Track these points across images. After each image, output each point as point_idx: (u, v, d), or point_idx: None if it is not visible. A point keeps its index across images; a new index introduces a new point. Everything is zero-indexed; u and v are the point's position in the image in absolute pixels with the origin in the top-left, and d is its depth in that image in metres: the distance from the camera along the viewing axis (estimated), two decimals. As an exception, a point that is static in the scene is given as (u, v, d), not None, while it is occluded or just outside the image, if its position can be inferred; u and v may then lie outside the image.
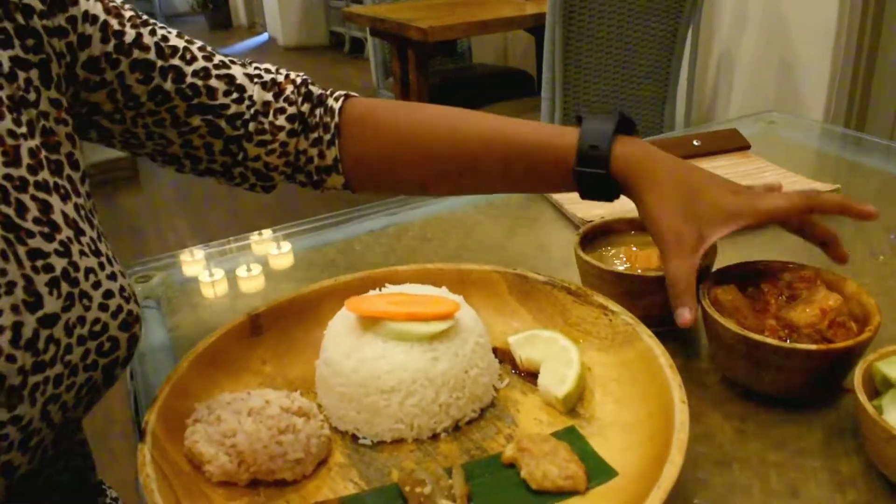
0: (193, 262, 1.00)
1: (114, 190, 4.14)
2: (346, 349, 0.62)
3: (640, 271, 0.74)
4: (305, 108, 0.75)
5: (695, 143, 1.18)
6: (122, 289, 0.60)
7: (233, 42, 8.83)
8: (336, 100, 0.76)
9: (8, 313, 0.51)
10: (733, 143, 1.21)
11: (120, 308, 0.59)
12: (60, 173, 0.58)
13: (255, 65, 0.75)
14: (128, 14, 0.67)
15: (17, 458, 0.51)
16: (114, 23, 0.65)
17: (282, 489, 0.57)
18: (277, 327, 0.71)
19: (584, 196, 0.72)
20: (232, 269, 0.97)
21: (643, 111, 2.56)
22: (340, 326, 0.65)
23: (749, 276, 0.71)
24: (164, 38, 0.69)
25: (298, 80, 0.75)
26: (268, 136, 0.73)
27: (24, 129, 0.55)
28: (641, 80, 2.51)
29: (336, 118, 0.75)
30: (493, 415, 0.64)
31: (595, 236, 0.80)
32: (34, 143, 0.56)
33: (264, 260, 1.00)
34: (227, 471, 0.56)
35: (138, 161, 4.35)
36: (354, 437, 0.62)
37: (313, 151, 0.75)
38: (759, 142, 1.25)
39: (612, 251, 0.79)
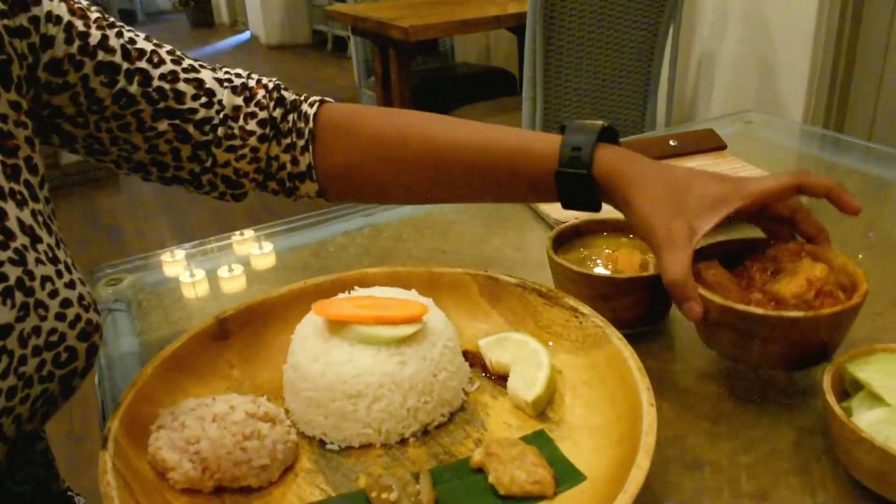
0: (173, 262, 0.99)
1: (93, 189, 4.11)
2: (314, 353, 0.62)
3: (611, 273, 0.74)
4: (277, 112, 0.73)
5: (671, 143, 1.18)
6: (80, 297, 0.58)
7: (215, 40, 8.79)
8: (311, 105, 0.75)
9: None
10: (709, 143, 1.20)
11: (78, 317, 0.57)
12: (17, 178, 0.56)
13: (225, 69, 0.73)
14: (94, 16, 0.65)
15: None
16: (79, 24, 0.63)
17: (247, 496, 0.57)
18: (245, 331, 0.70)
19: (565, 203, 0.70)
20: (212, 270, 0.96)
21: (624, 110, 2.57)
22: (308, 330, 0.64)
23: (733, 255, 0.70)
24: (131, 41, 0.67)
25: (270, 85, 0.74)
26: (237, 142, 0.71)
27: None
28: (622, 79, 2.51)
29: (310, 124, 0.73)
30: (462, 419, 0.63)
31: (568, 238, 0.80)
32: None
33: (243, 261, 0.99)
34: (191, 478, 0.55)
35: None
36: (322, 443, 0.61)
37: (286, 157, 0.74)
38: (736, 142, 1.25)
39: (585, 253, 0.79)
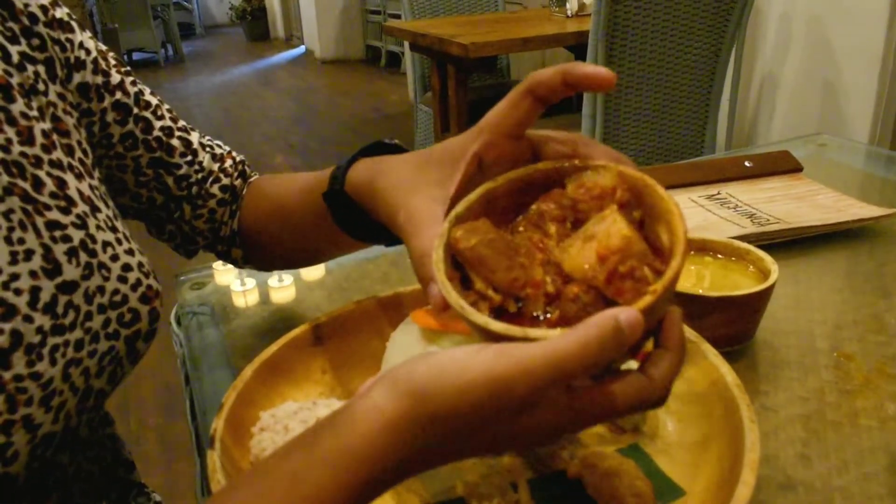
0: (226, 270, 1.01)
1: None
2: (410, 361, 0.63)
3: (702, 292, 0.74)
4: (238, 182, 0.80)
5: (746, 164, 1.18)
6: (140, 264, 0.62)
7: (270, 53, 8.95)
8: (250, 176, 0.82)
9: (26, 277, 0.53)
10: (785, 165, 1.20)
11: (139, 281, 0.61)
12: (73, 155, 0.61)
13: (208, 137, 0.80)
14: (112, 60, 0.71)
15: (39, 415, 0.52)
16: (102, 63, 0.70)
17: (346, 498, 0.58)
18: (338, 337, 0.72)
19: (354, 234, 0.67)
20: (299, 278, 0.98)
21: (684, 131, 2.55)
22: (404, 338, 0.65)
23: (534, 189, 0.51)
24: (141, 92, 0.73)
25: (237, 158, 0.81)
26: (201, 202, 0.77)
27: (35, 113, 0.58)
28: (683, 99, 2.51)
29: (242, 192, 0.80)
30: (555, 431, 0.64)
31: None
32: (46, 126, 0.59)
33: (326, 268, 1.01)
34: (294, 478, 0.56)
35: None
36: (417, 449, 0.62)
37: (230, 222, 0.80)
38: (809, 164, 1.24)
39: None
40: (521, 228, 0.49)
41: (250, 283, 0.98)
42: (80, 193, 0.60)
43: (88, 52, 0.68)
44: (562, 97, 0.50)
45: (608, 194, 0.47)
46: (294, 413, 0.60)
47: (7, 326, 0.51)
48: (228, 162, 0.79)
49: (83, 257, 0.57)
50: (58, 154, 0.59)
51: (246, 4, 9.75)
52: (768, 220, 1.00)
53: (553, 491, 0.57)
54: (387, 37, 7.17)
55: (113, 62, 0.71)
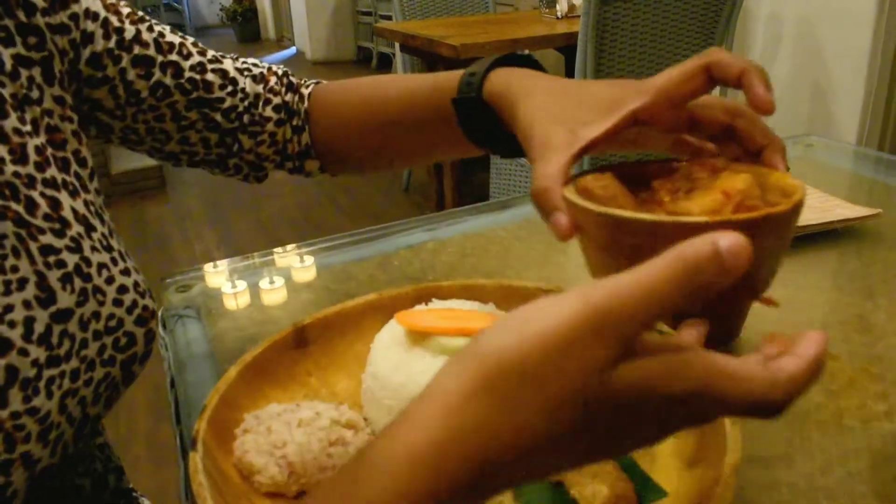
0: (217, 272, 1.00)
1: (141, 199, 4.19)
2: (395, 363, 0.63)
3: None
4: (289, 97, 0.77)
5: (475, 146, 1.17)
6: (136, 284, 0.61)
7: (261, 55, 8.92)
8: (306, 87, 0.79)
9: (20, 308, 0.52)
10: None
11: (135, 303, 0.60)
12: (68, 170, 0.59)
13: (242, 59, 0.77)
14: (125, 11, 0.68)
15: (37, 451, 0.52)
16: (113, 19, 0.66)
17: (329, 501, 0.58)
18: (322, 339, 0.72)
19: (476, 140, 0.68)
20: (289, 278, 0.97)
21: (674, 131, 2.56)
22: (388, 340, 0.65)
23: (640, 180, 0.56)
24: (161, 35, 0.70)
25: (280, 72, 0.78)
26: (258, 128, 0.75)
27: (29, 128, 0.56)
28: (672, 100, 2.51)
29: (305, 103, 0.78)
30: (539, 432, 0.63)
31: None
32: (40, 140, 0.57)
33: (293, 268, 1.00)
34: (277, 481, 0.56)
35: (165, 170, 4.41)
36: (401, 451, 0.62)
37: (295, 138, 0.78)
38: (796, 164, 1.25)
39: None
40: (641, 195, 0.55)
41: (241, 284, 0.97)
42: (75, 213, 0.58)
43: (96, 16, 0.65)
44: (732, 87, 0.51)
45: (720, 168, 0.52)
46: (277, 415, 0.59)
47: (2, 362, 0.50)
48: (272, 80, 0.77)
49: (78, 283, 0.56)
50: (52, 171, 0.57)
51: (237, 5, 9.73)
52: (755, 220, 1.00)
53: (535, 493, 0.56)
54: (378, 38, 7.17)
55: (126, 13, 0.68)
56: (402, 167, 0.87)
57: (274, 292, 0.96)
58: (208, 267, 1.02)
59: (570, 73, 2.48)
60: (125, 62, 0.67)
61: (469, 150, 0.71)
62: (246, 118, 0.74)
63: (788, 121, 2.97)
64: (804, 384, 0.33)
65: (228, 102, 0.73)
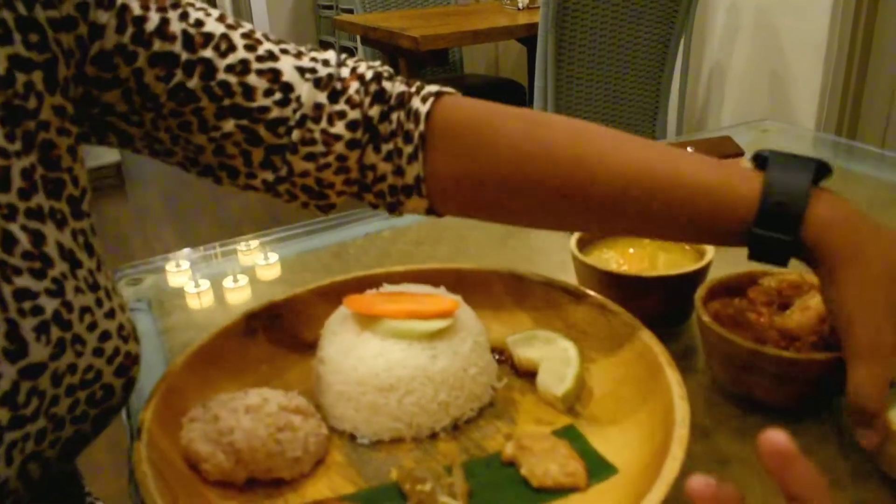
0: (179, 272, 0.98)
1: (99, 198, 4.11)
2: (345, 347, 0.62)
3: (638, 272, 0.74)
4: (374, 111, 0.60)
5: (688, 150, 1.18)
6: (120, 327, 0.54)
7: (223, 51, 8.84)
8: (424, 100, 0.60)
9: None
10: (727, 150, 1.20)
11: (117, 351, 0.53)
12: (59, 195, 0.51)
13: (313, 54, 0.61)
14: None
15: None
16: (135, 6, 0.55)
17: (279, 488, 0.57)
18: (273, 327, 0.71)
19: (753, 257, 0.56)
20: (220, 277, 0.96)
21: (635, 120, 2.57)
22: (338, 325, 0.65)
23: (733, 289, 0.69)
24: (198, 23, 0.57)
25: (369, 75, 0.61)
26: (319, 148, 0.59)
27: (17, 146, 0.48)
28: (633, 89, 2.52)
29: (421, 125, 0.60)
30: (491, 414, 0.63)
31: (591, 239, 0.80)
32: (29, 160, 0.48)
33: (252, 268, 0.99)
34: (224, 469, 0.55)
35: (124, 168, 4.33)
36: (352, 437, 0.61)
37: (386, 167, 0.61)
38: (751, 149, 1.25)
39: (609, 253, 0.79)
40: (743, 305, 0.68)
41: (204, 284, 0.95)
42: (60, 248, 0.50)
43: (112, 3, 0.54)
44: None
45: (799, 283, 0.67)
46: (225, 402, 0.58)
47: None
48: (353, 86, 0.59)
49: (55, 332, 0.48)
50: (38, 199, 0.49)
51: (197, 1, 9.63)
52: (709, 203, 1.01)
53: (488, 473, 0.56)
54: (340, 32, 7.12)
55: None
56: (562, 231, 0.76)
57: (227, 281, 0.95)
58: (171, 266, 1.00)
59: (531, 63, 2.48)
60: (141, 61, 0.55)
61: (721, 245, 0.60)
62: (296, 134, 0.59)
63: (748, 107, 3.00)
64: None
65: (276, 113, 0.58)
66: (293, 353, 0.70)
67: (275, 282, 0.97)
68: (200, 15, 0.58)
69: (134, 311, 0.91)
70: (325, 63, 0.61)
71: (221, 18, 0.58)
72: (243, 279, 0.95)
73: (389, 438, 0.60)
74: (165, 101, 0.57)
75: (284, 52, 0.60)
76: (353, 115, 0.59)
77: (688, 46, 2.57)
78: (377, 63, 0.62)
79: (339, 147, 0.59)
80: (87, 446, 0.55)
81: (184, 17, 0.57)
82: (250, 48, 0.58)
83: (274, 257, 1.00)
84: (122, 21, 0.54)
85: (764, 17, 2.85)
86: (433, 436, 0.61)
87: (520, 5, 3.20)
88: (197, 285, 0.94)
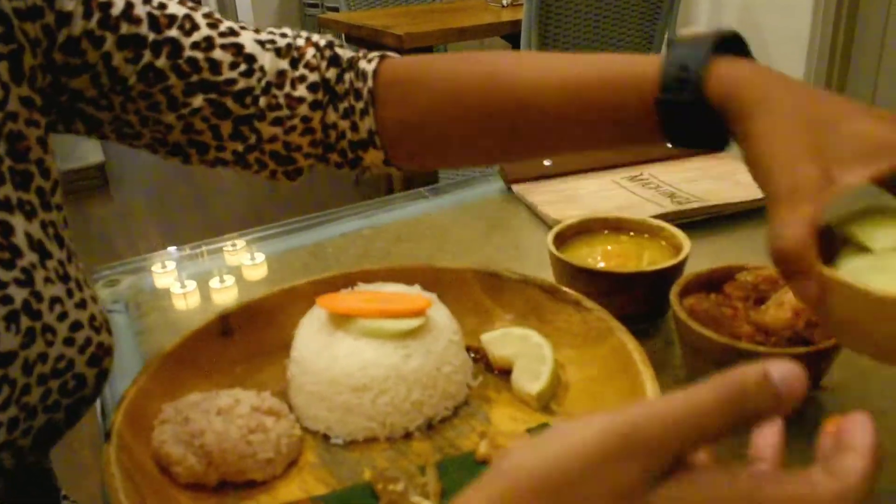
0: (164, 273, 0.97)
1: (83, 198, 4.09)
2: (318, 347, 0.61)
3: (613, 269, 0.74)
4: (331, 73, 0.64)
5: (668, 144, 1.18)
6: (91, 318, 0.54)
7: (208, 51, 8.81)
8: (370, 61, 0.65)
9: None
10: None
11: (89, 341, 0.53)
12: (27, 186, 0.51)
13: (270, 29, 0.65)
14: None
15: None
16: None
17: (251, 490, 0.56)
18: (248, 328, 0.70)
19: (678, 141, 0.55)
20: (203, 278, 0.95)
21: (618, 117, 2.58)
22: (312, 325, 0.64)
23: (710, 284, 0.69)
24: (161, 6, 0.59)
25: (322, 42, 0.65)
26: (285, 112, 0.63)
27: None
28: (616, 86, 2.53)
29: (369, 82, 0.64)
30: (466, 413, 0.63)
31: (569, 235, 0.80)
32: None
33: (238, 268, 0.98)
34: (196, 471, 0.55)
35: (108, 168, 4.30)
36: (326, 438, 0.61)
37: (345, 124, 0.65)
38: (732, 144, 1.26)
39: (586, 250, 0.79)
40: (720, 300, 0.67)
41: (191, 284, 0.94)
42: (29, 239, 0.50)
43: None
44: None
45: (776, 279, 0.66)
46: (196, 404, 0.58)
47: None
48: (310, 52, 0.63)
49: (25, 321, 0.49)
50: (6, 190, 0.49)
51: (182, 0, 9.59)
52: (688, 198, 1.01)
53: (461, 473, 0.56)
54: (325, 29, 7.10)
55: None
56: (509, 161, 0.80)
57: (214, 282, 0.94)
58: (156, 267, 0.98)
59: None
60: (109, 45, 0.57)
61: (638, 142, 0.60)
62: (264, 101, 0.62)
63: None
64: (871, 476, 0.29)
65: (241, 84, 0.61)
66: (269, 353, 0.69)
67: (261, 282, 0.96)
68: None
69: (111, 312, 0.90)
70: (283, 35, 0.65)
71: (182, 1, 0.61)
72: (230, 279, 0.94)
73: (363, 438, 0.60)
74: (135, 83, 0.59)
75: (244, 28, 0.64)
76: (313, 77, 0.63)
77: (671, 43, 2.58)
78: (328, 34, 0.67)
79: (302, 109, 0.63)
80: (60, 437, 0.55)
81: (147, 0, 0.59)
82: (212, 26, 0.61)
83: (260, 257, 0.99)
84: (89, 7, 0.56)
85: (747, 14, 2.86)
86: (407, 435, 0.60)
87: (504, 2, 3.20)
88: (183, 286, 0.93)
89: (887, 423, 0.64)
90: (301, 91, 0.63)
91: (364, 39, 2.92)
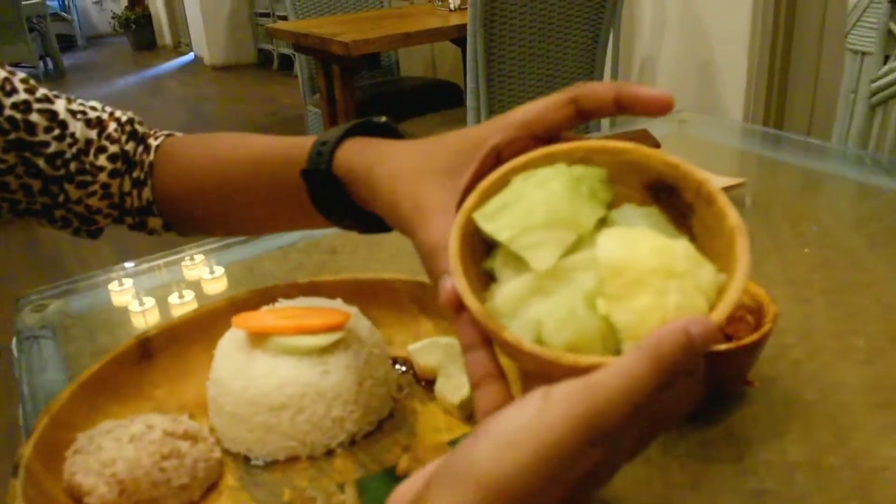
0: (123, 290, 0.95)
1: (32, 222, 4.01)
2: (236, 367, 0.60)
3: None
4: (130, 146, 0.69)
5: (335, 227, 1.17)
6: None
7: (158, 62, 8.68)
8: (156, 138, 0.71)
9: None
10: (643, 143, 1.21)
11: None
12: None
13: (80, 101, 0.70)
14: None
15: None
16: None
17: (168, 517, 0.55)
18: (170, 350, 0.69)
19: (332, 218, 0.58)
20: (165, 293, 0.93)
21: (567, 117, 2.59)
22: (230, 345, 0.63)
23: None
24: None
25: (123, 118, 0.70)
26: (89, 178, 0.67)
27: None
28: (565, 85, 2.53)
29: (150, 156, 0.70)
30: (391, 426, 0.62)
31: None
32: None
33: (191, 283, 0.97)
34: (108, 501, 0.53)
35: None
36: (247, 459, 0.60)
37: (135, 192, 0.70)
38: (670, 141, 1.27)
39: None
40: None
41: (149, 301, 0.91)
42: None
43: None
44: (609, 115, 0.45)
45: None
46: (108, 431, 0.56)
47: None
48: (112, 126, 0.68)
49: None
50: None
51: (129, 12, 9.41)
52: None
53: (382, 488, 0.55)
54: (278, 39, 7.06)
55: None
56: (250, 235, 0.86)
57: (132, 303, 0.92)
58: (113, 286, 0.96)
59: (466, 64, 2.48)
60: None
61: (325, 225, 0.61)
62: (73, 166, 0.66)
63: (679, 99, 3.01)
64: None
65: (54, 147, 0.65)
66: (191, 375, 0.68)
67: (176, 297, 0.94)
68: None
69: (38, 338, 0.88)
70: (92, 108, 0.69)
71: (1, 66, 0.65)
72: (189, 294, 0.92)
73: (284, 458, 0.59)
74: None
75: (57, 97, 0.68)
76: (113, 149, 0.68)
77: (617, 41, 2.60)
78: (129, 112, 0.72)
79: (103, 176, 0.68)
80: None
81: None
82: (29, 91, 0.65)
83: (219, 270, 0.97)
84: None
85: (689, 10, 2.89)
86: (330, 452, 0.59)
87: (451, 6, 3.20)
88: (141, 304, 0.91)
89: (817, 414, 0.64)
90: (102, 160, 0.68)
91: (312, 48, 2.91)
